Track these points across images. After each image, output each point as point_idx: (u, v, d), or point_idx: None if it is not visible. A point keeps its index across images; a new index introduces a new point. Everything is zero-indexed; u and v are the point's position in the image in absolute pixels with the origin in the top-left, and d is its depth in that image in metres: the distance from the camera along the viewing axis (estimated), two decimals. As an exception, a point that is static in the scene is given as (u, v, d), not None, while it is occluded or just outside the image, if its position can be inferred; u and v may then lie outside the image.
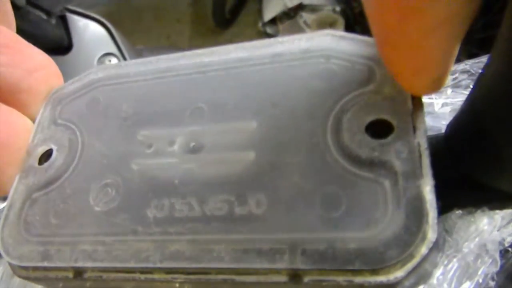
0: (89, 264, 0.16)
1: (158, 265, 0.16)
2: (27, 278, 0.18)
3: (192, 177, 0.17)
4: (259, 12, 1.52)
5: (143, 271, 0.16)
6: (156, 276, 0.16)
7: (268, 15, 1.46)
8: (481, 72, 0.17)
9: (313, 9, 1.39)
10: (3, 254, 0.18)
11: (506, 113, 0.16)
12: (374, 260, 0.14)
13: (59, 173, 0.19)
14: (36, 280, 0.18)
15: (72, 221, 0.17)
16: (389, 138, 0.15)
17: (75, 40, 0.61)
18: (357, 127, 0.16)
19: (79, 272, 0.17)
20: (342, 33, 0.17)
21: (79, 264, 0.17)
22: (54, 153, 0.19)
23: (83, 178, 0.18)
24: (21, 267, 0.18)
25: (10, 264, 0.18)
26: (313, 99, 0.17)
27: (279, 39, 0.18)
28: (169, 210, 0.16)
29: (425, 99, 0.28)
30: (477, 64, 0.27)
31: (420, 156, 0.15)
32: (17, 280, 0.33)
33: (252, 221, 0.15)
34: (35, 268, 0.18)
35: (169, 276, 0.16)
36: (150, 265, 0.16)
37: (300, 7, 1.39)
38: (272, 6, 1.46)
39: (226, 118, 0.18)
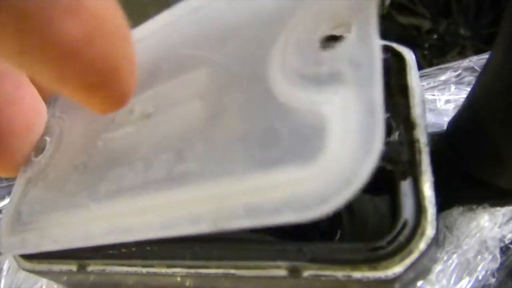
0: (49, 247, 0.16)
1: (100, 241, 0.14)
2: (31, 271, 0.19)
3: (143, 142, 0.15)
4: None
5: (145, 264, 0.16)
6: (157, 269, 0.16)
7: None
8: (482, 70, 0.17)
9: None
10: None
11: (506, 111, 0.16)
12: (307, 205, 0.10)
13: (48, 162, 0.19)
14: (40, 273, 0.19)
15: (47, 207, 0.17)
16: (341, 45, 0.11)
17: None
18: (307, 41, 0.12)
19: (82, 266, 0.17)
20: None
21: (43, 248, 0.16)
22: (47, 145, 0.19)
23: (61, 163, 0.18)
24: (25, 260, 0.18)
25: (14, 257, 0.19)
26: (264, 24, 0.14)
27: None
28: (118, 181, 0.15)
29: (428, 96, 0.28)
30: (481, 61, 0.27)
31: (420, 152, 0.15)
32: (22, 274, 0.34)
33: (188, 178, 0.13)
34: (40, 261, 0.18)
35: (170, 270, 0.16)
36: (94, 242, 0.14)
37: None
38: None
39: (179, 72, 0.16)
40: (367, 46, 0.11)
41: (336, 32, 0.12)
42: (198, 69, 0.15)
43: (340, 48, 0.11)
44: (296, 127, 0.11)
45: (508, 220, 0.20)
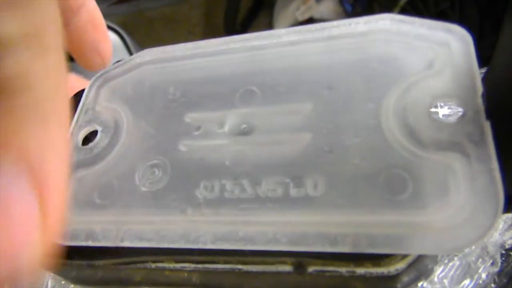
0: (136, 244, 0.16)
1: (210, 246, 0.15)
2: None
3: (244, 158, 0.17)
4: (270, 25, 1.54)
5: (154, 260, 0.17)
6: (166, 264, 0.17)
7: (278, 28, 1.48)
8: (483, 77, 0.18)
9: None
10: None
11: (507, 117, 0.17)
12: (444, 242, 0.13)
13: (104, 153, 0.19)
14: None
15: (117, 201, 0.17)
16: (458, 120, 0.15)
17: (90, 47, 0.63)
18: (421, 109, 0.15)
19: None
20: (402, 16, 0.17)
21: (125, 243, 0.16)
22: (99, 134, 0.19)
23: (129, 159, 0.18)
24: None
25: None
26: (373, 81, 0.16)
27: (334, 23, 0.18)
28: (219, 191, 0.16)
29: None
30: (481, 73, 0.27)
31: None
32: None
33: (310, 203, 0.15)
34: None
35: (178, 265, 0.17)
36: (201, 246, 0.15)
37: (310, 21, 1.41)
38: (282, 19, 1.48)
39: (279, 100, 0.17)
40: (480, 126, 0.14)
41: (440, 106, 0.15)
42: (304, 103, 0.17)
43: (456, 122, 0.14)
44: (421, 178, 0.14)
45: (509, 227, 0.20)
